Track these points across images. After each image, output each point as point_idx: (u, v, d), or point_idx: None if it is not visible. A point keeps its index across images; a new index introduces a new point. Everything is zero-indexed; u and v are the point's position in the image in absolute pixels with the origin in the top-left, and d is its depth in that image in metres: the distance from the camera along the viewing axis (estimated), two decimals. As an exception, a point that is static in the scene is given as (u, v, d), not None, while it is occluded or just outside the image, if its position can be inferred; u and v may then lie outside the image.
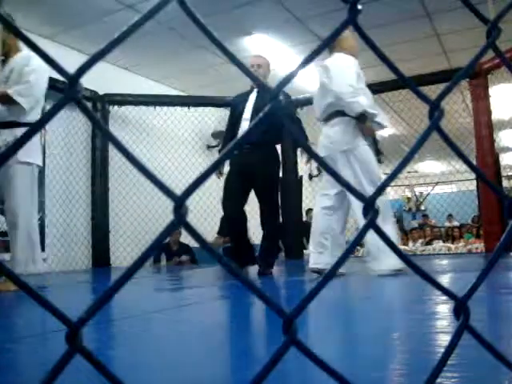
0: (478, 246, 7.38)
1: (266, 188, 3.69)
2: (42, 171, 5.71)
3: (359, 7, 0.44)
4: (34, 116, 3.07)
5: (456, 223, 11.11)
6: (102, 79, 5.01)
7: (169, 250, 6.17)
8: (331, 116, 3.33)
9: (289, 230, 6.54)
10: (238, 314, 1.97)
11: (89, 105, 0.36)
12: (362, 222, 2.83)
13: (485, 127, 5.46)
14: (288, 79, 0.42)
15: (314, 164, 5.93)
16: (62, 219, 5.86)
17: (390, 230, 3.14)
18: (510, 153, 10.91)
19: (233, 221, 3.74)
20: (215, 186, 7.48)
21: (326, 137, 3.36)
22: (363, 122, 3.21)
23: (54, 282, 4.23)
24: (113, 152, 6.03)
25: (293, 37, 6.17)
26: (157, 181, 0.37)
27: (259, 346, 1.30)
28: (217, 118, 7.99)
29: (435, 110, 0.50)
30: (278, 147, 4.01)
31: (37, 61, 3.07)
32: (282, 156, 6.58)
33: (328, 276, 0.42)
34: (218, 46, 0.40)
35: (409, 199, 14.59)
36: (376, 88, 6.32)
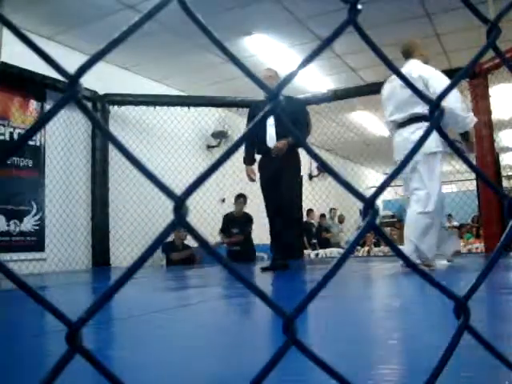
0: (478, 245, 7.38)
1: (286, 188, 4.01)
2: (41, 171, 5.72)
3: (359, 7, 0.44)
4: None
5: (455, 223, 11.11)
6: (102, 79, 5.01)
7: (173, 251, 6.20)
8: (411, 121, 3.41)
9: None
10: (238, 313, 1.97)
11: (89, 105, 0.36)
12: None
13: (485, 127, 5.46)
14: (288, 79, 0.42)
15: (314, 164, 5.98)
16: (62, 219, 5.86)
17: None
18: (510, 153, 10.91)
19: (272, 222, 4.15)
20: (215, 187, 7.52)
21: (408, 141, 3.41)
22: (467, 139, 3.33)
23: (54, 282, 4.23)
24: (113, 152, 6.03)
25: (293, 37, 6.17)
26: (157, 181, 0.37)
27: (259, 346, 1.30)
28: (217, 118, 7.99)
29: (435, 109, 0.50)
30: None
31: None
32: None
33: (328, 276, 0.42)
34: (218, 46, 0.40)
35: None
36: (376, 88, 6.32)
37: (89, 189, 6.19)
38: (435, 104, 0.50)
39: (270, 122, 3.96)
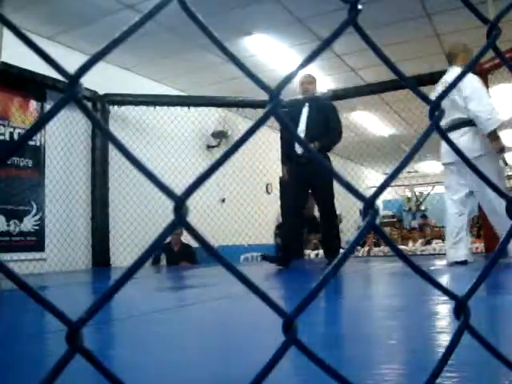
0: (478, 246, 7.37)
1: (324, 193, 4.29)
2: (41, 171, 5.72)
3: (359, 7, 0.44)
4: None
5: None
6: (102, 79, 5.00)
7: (170, 251, 6.15)
8: (459, 125, 3.62)
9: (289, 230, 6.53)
10: (237, 313, 1.97)
11: (89, 105, 0.36)
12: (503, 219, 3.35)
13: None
14: (288, 79, 0.42)
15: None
16: (62, 219, 5.86)
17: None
18: (510, 153, 10.90)
19: (296, 217, 4.39)
20: (215, 186, 7.52)
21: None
22: (494, 138, 3.49)
23: (54, 282, 4.23)
24: (113, 152, 6.03)
25: (293, 37, 6.17)
26: (157, 181, 0.37)
27: (259, 346, 1.30)
28: (217, 118, 7.99)
29: (435, 109, 0.50)
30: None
31: None
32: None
33: (328, 276, 0.42)
34: (218, 45, 0.40)
35: (409, 199, 14.58)
36: (376, 88, 6.33)
37: (89, 189, 6.19)
38: (435, 104, 0.50)
39: (301, 128, 4.27)
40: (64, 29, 5.73)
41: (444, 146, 3.80)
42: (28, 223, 5.52)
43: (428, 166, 14.72)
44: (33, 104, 5.67)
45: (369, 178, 10.57)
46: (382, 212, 13.86)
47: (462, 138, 3.59)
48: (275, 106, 0.41)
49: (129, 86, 6.55)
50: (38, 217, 5.63)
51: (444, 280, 2.72)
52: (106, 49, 0.37)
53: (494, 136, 3.48)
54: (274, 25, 5.86)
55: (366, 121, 9.90)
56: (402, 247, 8.05)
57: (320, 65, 6.91)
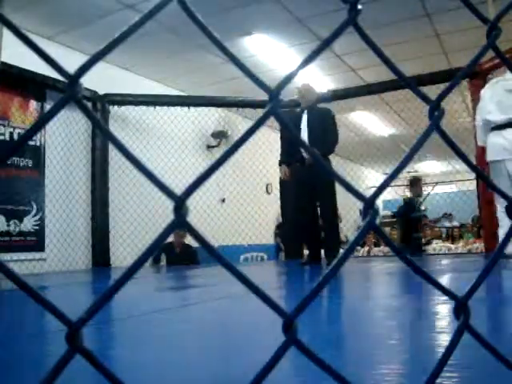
0: (478, 245, 7.38)
1: (326, 194, 4.41)
2: (41, 171, 5.72)
3: (359, 7, 0.44)
4: None
5: (456, 223, 11.11)
6: (102, 79, 5.00)
7: (171, 251, 6.14)
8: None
9: (288, 230, 6.54)
10: (238, 313, 1.97)
11: (89, 105, 0.36)
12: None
13: (485, 127, 5.45)
14: (288, 79, 0.42)
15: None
16: (62, 219, 5.86)
17: None
18: None
19: (312, 220, 4.53)
20: (215, 186, 7.52)
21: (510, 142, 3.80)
22: None
23: (53, 282, 4.23)
24: (113, 152, 6.03)
25: (293, 37, 6.17)
26: (157, 181, 0.37)
27: (259, 346, 1.30)
28: (217, 118, 7.99)
29: (435, 109, 0.50)
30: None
31: None
32: (281, 150, 6.61)
33: (328, 276, 0.42)
34: (218, 46, 0.40)
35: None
36: (376, 88, 6.33)
37: (89, 189, 6.19)
38: (435, 104, 0.50)
39: (304, 130, 4.41)
40: (64, 29, 5.73)
41: (493, 140, 3.90)
42: (28, 223, 5.52)
43: (428, 166, 14.72)
44: (33, 104, 5.67)
45: (369, 178, 10.58)
46: (381, 212, 13.86)
47: None
48: (275, 106, 0.41)
49: (129, 86, 6.55)
50: (38, 217, 5.63)
51: (444, 280, 2.72)
52: (106, 49, 0.37)
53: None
54: (273, 25, 5.87)
55: (366, 121, 9.90)
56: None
57: (320, 65, 6.91)
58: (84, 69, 0.36)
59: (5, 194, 5.26)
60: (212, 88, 7.44)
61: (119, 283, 0.36)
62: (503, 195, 0.55)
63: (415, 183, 6.71)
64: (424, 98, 0.51)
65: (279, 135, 6.30)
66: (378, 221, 0.47)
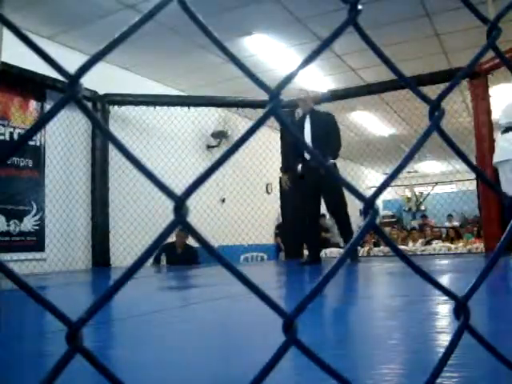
0: (478, 246, 7.38)
1: (333, 195, 4.51)
2: (41, 171, 5.72)
3: (359, 7, 0.44)
4: None
5: (456, 223, 11.11)
6: (102, 79, 5.00)
7: (172, 251, 6.14)
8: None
9: (288, 230, 6.53)
10: (238, 313, 1.97)
11: (89, 105, 0.36)
12: None
13: (485, 127, 5.46)
14: (288, 79, 0.42)
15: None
16: (62, 219, 5.86)
17: None
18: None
19: (314, 221, 4.69)
20: (215, 187, 7.52)
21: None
22: None
23: (54, 282, 4.23)
24: (113, 152, 6.03)
25: (293, 37, 6.17)
26: (157, 181, 0.37)
27: (259, 346, 1.30)
28: (217, 118, 7.99)
29: (435, 109, 0.50)
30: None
31: None
32: (281, 156, 6.61)
33: (328, 276, 0.42)
34: (218, 45, 0.40)
35: (409, 199, 14.58)
36: (376, 88, 6.33)
37: (89, 189, 6.19)
38: (435, 104, 0.50)
39: (307, 135, 4.51)
40: (64, 29, 5.73)
41: (499, 141, 4.00)
42: (28, 223, 5.52)
43: (428, 166, 14.72)
44: (33, 104, 5.67)
45: (369, 178, 10.58)
46: (381, 212, 13.87)
47: None
48: (275, 106, 0.41)
49: (129, 86, 6.55)
50: (38, 217, 5.63)
51: (444, 280, 2.72)
52: (106, 49, 0.37)
53: None
54: (273, 25, 5.86)
55: (366, 121, 9.90)
56: (402, 247, 8.05)
57: (320, 65, 6.91)
58: (84, 69, 0.36)
59: (5, 194, 5.26)
60: (212, 88, 7.44)
61: (119, 283, 0.36)
62: (503, 195, 0.55)
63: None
64: (424, 98, 0.51)
65: (280, 138, 6.35)
66: (377, 221, 0.47)
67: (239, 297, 2.31)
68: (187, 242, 6.24)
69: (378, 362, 1.05)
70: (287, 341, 0.40)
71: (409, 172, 13.28)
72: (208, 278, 4.01)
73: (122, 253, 6.23)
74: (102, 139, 6.06)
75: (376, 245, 8.67)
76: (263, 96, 0.39)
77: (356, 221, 8.90)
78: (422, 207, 14.29)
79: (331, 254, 7.56)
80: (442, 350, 0.47)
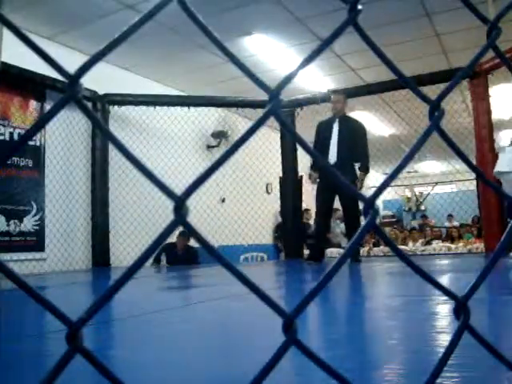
0: (478, 245, 7.38)
1: (348, 200, 4.65)
2: (41, 171, 5.72)
3: (359, 7, 0.44)
4: None
5: (456, 223, 11.11)
6: (102, 79, 5.00)
7: (172, 252, 6.14)
8: None
9: (288, 230, 6.53)
10: (238, 313, 1.97)
11: (89, 105, 0.36)
12: None
13: (485, 127, 5.46)
14: (288, 79, 0.42)
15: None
16: (62, 219, 5.86)
17: None
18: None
19: (323, 220, 4.93)
20: (215, 187, 7.51)
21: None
22: None
23: (54, 282, 4.23)
24: (113, 152, 6.03)
25: (293, 37, 6.17)
26: (157, 181, 0.37)
27: (259, 346, 1.30)
28: (217, 118, 7.99)
29: (435, 109, 0.50)
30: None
31: None
32: (281, 156, 6.61)
33: (328, 276, 0.42)
34: (218, 45, 0.40)
35: (409, 199, 14.58)
36: (376, 88, 6.33)
37: (89, 189, 6.19)
38: (435, 104, 0.50)
39: (333, 141, 4.69)
40: (64, 29, 5.73)
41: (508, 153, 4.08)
42: (28, 223, 5.52)
43: (428, 166, 14.72)
44: (33, 104, 5.67)
45: (369, 178, 10.57)
46: (381, 212, 13.87)
47: None
48: (275, 106, 0.41)
49: (129, 86, 6.55)
50: (38, 217, 5.63)
51: (444, 280, 2.72)
52: (106, 49, 0.37)
53: None
54: (273, 25, 5.86)
55: (366, 121, 9.89)
56: (402, 247, 8.05)
57: (320, 65, 6.91)
58: (84, 69, 0.36)
59: (5, 194, 5.26)
60: (212, 88, 7.44)
61: (119, 283, 0.36)
62: (503, 195, 0.55)
63: None
64: (424, 98, 0.51)
65: (280, 138, 6.38)
66: (377, 221, 0.47)
67: (239, 297, 2.31)
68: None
69: (378, 362, 1.05)
70: (287, 341, 0.40)
71: (409, 172, 13.28)
72: (208, 278, 4.01)
73: (122, 253, 6.23)
74: (102, 139, 6.06)
75: (376, 245, 8.67)
76: (263, 96, 0.39)
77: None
78: (422, 207, 14.28)
79: (331, 254, 7.56)
80: (442, 350, 0.47)
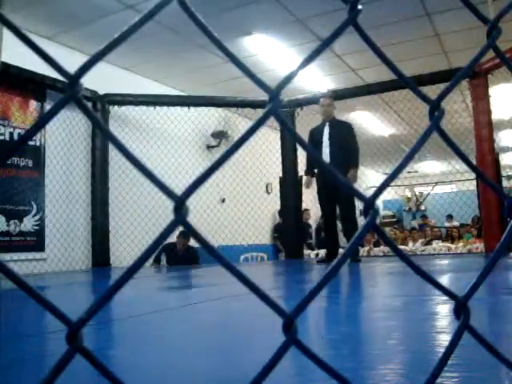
0: (478, 246, 7.38)
1: (344, 200, 4.74)
2: (41, 171, 5.72)
3: (359, 7, 0.44)
4: None
5: (456, 223, 11.11)
6: (102, 79, 5.00)
7: (172, 252, 6.14)
8: None
9: (288, 230, 6.53)
10: (238, 313, 1.97)
11: (89, 105, 0.36)
12: None
13: (485, 127, 5.46)
14: (288, 79, 0.42)
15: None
16: (62, 219, 5.86)
17: None
18: (509, 153, 10.91)
19: (329, 220, 5.04)
20: (215, 187, 7.51)
21: None
22: None
23: (54, 282, 4.23)
24: (113, 152, 6.03)
25: (293, 37, 6.17)
26: (157, 181, 0.37)
27: (259, 346, 1.30)
28: (217, 118, 7.99)
29: (435, 109, 0.50)
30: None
31: None
32: (281, 156, 6.61)
33: (328, 276, 0.42)
34: (218, 45, 0.40)
35: (409, 199, 14.59)
36: (376, 88, 6.33)
37: (89, 189, 6.19)
38: (435, 104, 0.50)
39: (325, 144, 4.80)
40: (64, 29, 5.73)
41: None
42: (28, 223, 5.52)
43: (428, 166, 14.72)
44: (33, 104, 5.67)
45: (369, 178, 10.57)
46: (382, 212, 13.87)
47: None
48: (275, 106, 0.41)
49: (129, 86, 6.55)
50: (37, 217, 5.63)
51: (444, 280, 2.72)
52: (106, 49, 0.37)
53: None
54: (273, 25, 5.86)
55: (366, 121, 9.90)
56: (402, 247, 8.06)
57: (320, 65, 6.91)
58: (84, 69, 0.36)
59: (5, 194, 5.26)
60: (212, 88, 7.44)
61: (119, 283, 0.36)
62: (503, 195, 0.55)
63: None
64: (424, 98, 0.51)
65: (280, 138, 6.42)
66: (377, 221, 0.47)
67: (239, 297, 2.31)
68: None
69: (378, 362, 1.05)
70: (287, 341, 0.40)
71: (409, 172, 13.27)
72: (208, 278, 4.01)
73: (122, 253, 6.23)
74: (102, 139, 6.06)
75: (376, 245, 8.67)
76: (263, 96, 0.39)
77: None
78: (422, 207, 14.29)
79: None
80: (442, 350, 0.47)
